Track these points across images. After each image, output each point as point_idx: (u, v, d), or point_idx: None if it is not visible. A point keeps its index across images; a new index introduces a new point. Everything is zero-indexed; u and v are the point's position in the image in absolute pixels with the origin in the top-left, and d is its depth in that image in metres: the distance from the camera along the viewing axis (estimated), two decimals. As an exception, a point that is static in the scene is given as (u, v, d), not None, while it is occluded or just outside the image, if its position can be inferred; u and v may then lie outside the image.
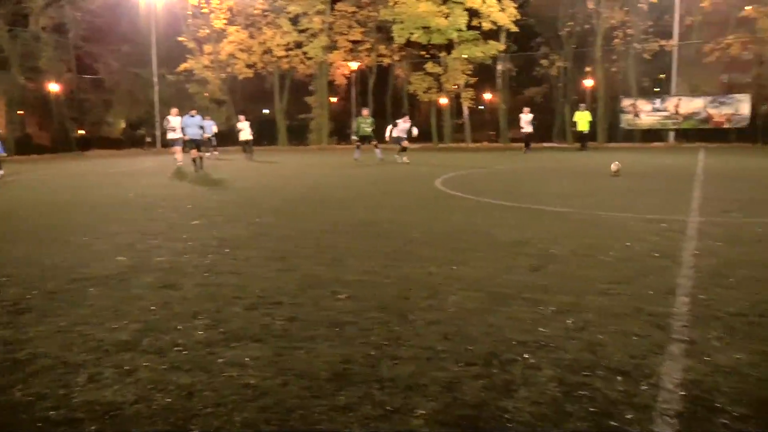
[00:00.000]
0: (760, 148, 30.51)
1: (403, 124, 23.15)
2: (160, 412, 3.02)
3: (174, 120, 21.85)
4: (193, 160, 19.45)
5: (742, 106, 33.25)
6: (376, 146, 23.75)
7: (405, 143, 22.71)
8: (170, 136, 22.04)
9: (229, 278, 5.62)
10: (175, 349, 3.85)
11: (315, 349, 3.80)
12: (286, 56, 42.50)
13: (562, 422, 2.85)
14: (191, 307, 4.71)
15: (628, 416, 2.89)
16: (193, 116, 20.15)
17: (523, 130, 28.77)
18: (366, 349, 3.79)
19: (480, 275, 5.55)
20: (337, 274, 5.69)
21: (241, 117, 28.53)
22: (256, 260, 6.36)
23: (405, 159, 22.14)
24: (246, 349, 3.82)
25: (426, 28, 37.39)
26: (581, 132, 30.67)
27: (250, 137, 27.50)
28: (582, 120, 30.36)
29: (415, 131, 23.34)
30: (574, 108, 41.43)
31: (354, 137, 25.27)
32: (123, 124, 50.79)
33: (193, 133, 19.77)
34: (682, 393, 3.12)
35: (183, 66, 42.59)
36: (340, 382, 3.32)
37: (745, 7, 35.34)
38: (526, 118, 28.31)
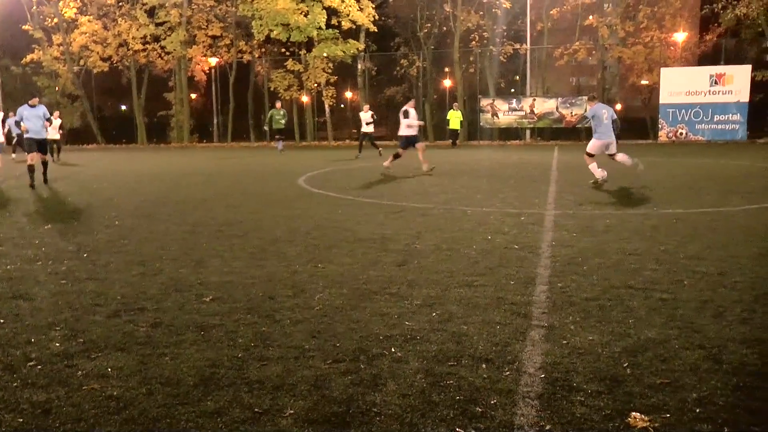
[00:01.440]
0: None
1: (413, 111, 16.45)
2: (10, 432, 2.81)
3: None
4: (30, 168, 13.73)
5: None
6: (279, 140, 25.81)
7: (422, 146, 16.45)
8: None
9: (87, 285, 5.33)
10: (29, 364, 3.60)
11: (181, 355, 3.68)
12: (144, 50, 40.89)
13: (430, 412, 2.91)
14: (46, 318, 4.43)
15: (493, 401, 3.00)
16: (33, 106, 13.98)
17: (363, 130, 24.50)
18: (233, 351, 3.72)
19: (345, 272, 5.58)
20: (202, 277, 5.54)
21: (56, 114, 24.71)
22: (116, 265, 6.07)
23: (425, 168, 15.91)
24: (108, 359, 3.64)
25: (286, 25, 37.14)
26: (453, 130, 32.03)
27: (58, 136, 23.86)
28: (454, 118, 31.81)
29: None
30: (435, 107, 42.76)
31: (266, 128, 25.80)
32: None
33: (36, 130, 13.90)
34: (542, 376, 3.28)
35: (29, 57, 39.93)
36: (207, 386, 3.24)
37: (589, 17, 38.16)
38: (365, 117, 24.27)
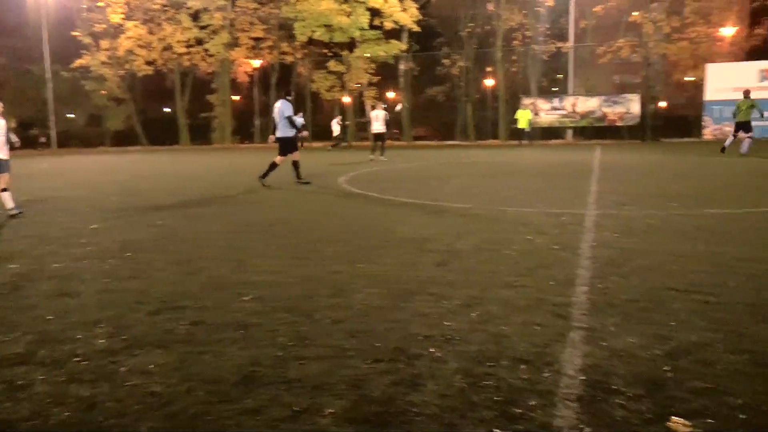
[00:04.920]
0: (649, 144, 32.22)
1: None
2: (57, 427, 2.88)
3: None
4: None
5: (633, 105, 35.00)
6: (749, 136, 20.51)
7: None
8: None
9: (130, 283, 5.44)
10: (75, 359, 3.69)
11: (221, 353, 3.73)
12: (187, 53, 41.62)
13: (469, 412, 2.91)
14: (91, 315, 4.53)
15: (532, 403, 2.98)
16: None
17: (375, 130, 22.97)
18: (273, 350, 3.75)
19: (385, 272, 5.59)
20: (242, 276, 5.60)
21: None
22: (159, 264, 6.18)
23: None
24: (150, 356, 3.71)
25: (328, 27, 37.40)
26: (522, 129, 31.64)
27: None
28: (523, 118, 31.38)
29: None
30: (476, 107, 42.55)
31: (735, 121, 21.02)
32: (13, 124, 48.30)
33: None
34: (582, 378, 3.24)
35: (78, 62, 40.93)
36: (247, 385, 3.27)
37: (633, 13, 37.57)
38: (380, 115, 22.70)
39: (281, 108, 13.44)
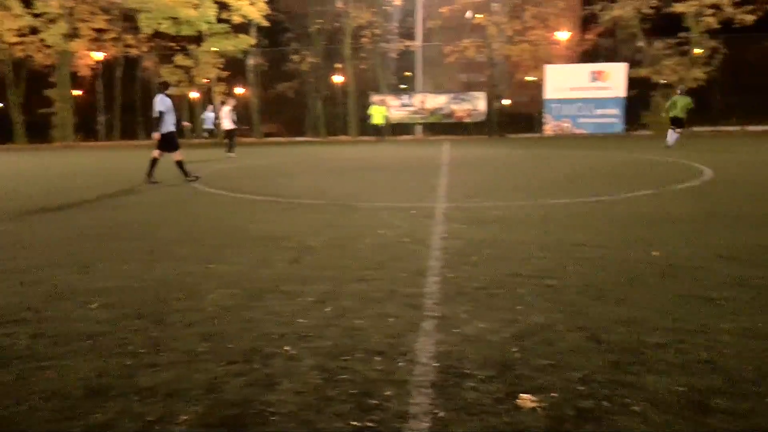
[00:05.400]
0: (495, 140, 33.82)
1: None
2: None
3: None
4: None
5: (479, 102, 36.58)
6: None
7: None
8: None
9: (-43, 295, 5.00)
10: None
11: (66, 366, 3.50)
12: (20, 43, 38.52)
13: (325, 407, 2.91)
14: None
15: (387, 393, 3.03)
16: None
17: (224, 126, 23.33)
18: (122, 359, 3.58)
19: (236, 272, 5.49)
20: (88, 282, 5.30)
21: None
22: (-9, 272, 5.72)
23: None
24: (-17, 376, 3.42)
25: (174, 19, 36.13)
26: (376, 125, 32.34)
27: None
28: (377, 114, 32.07)
29: None
30: (327, 103, 42.80)
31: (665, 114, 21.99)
32: None
33: None
34: (435, 364, 3.34)
35: None
36: (95, 398, 3.09)
37: (476, 15, 39.39)
38: (229, 111, 23.04)
39: (155, 103, 13.33)
